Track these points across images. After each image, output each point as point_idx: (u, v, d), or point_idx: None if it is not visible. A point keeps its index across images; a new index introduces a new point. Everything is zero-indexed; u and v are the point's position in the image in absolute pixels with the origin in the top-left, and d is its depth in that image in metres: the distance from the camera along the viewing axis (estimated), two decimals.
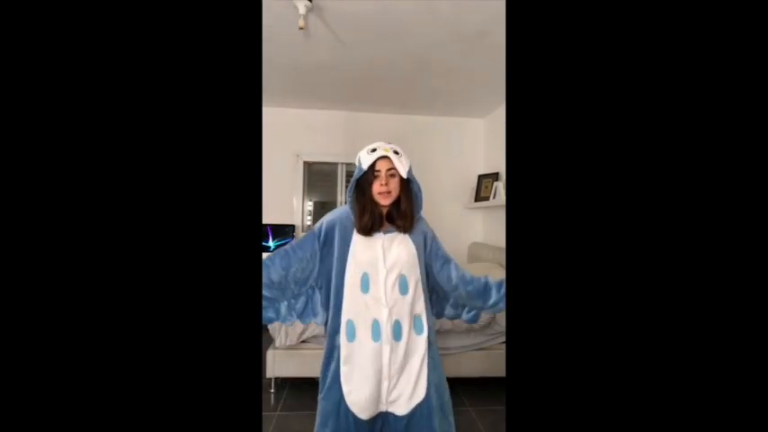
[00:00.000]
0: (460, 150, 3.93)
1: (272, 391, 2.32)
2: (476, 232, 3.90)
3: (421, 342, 1.16)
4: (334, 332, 1.17)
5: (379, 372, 1.13)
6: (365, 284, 1.14)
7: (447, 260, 1.26)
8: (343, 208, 1.22)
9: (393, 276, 1.14)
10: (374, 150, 1.13)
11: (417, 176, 1.18)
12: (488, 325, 2.38)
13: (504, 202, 3.06)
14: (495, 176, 3.46)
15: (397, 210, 1.17)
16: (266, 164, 3.57)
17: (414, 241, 1.19)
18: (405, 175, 1.14)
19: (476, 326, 2.34)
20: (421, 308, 1.18)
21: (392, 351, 1.13)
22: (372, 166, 1.12)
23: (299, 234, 3.78)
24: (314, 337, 2.29)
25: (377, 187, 1.12)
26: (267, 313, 1.21)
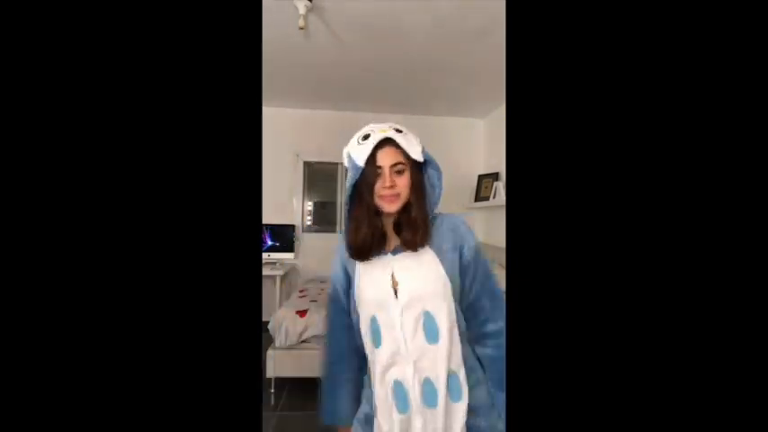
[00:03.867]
0: (460, 150, 3.93)
1: (272, 391, 2.32)
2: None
3: (458, 412, 0.78)
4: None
5: None
6: (376, 336, 0.81)
7: (491, 296, 0.82)
8: (339, 242, 0.88)
9: (412, 315, 0.77)
10: (367, 137, 0.76)
11: None
12: None
13: (504, 202, 3.06)
14: (495, 176, 3.46)
15: (407, 216, 0.79)
16: (266, 164, 3.59)
17: (440, 254, 0.79)
18: (420, 158, 0.77)
19: None
20: (458, 360, 0.78)
21: (426, 424, 0.77)
22: (372, 160, 0.76)
23: (299, 234, 3.78)
24: (314, 336, 2.29)
25: (379, 189, 0.77)
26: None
